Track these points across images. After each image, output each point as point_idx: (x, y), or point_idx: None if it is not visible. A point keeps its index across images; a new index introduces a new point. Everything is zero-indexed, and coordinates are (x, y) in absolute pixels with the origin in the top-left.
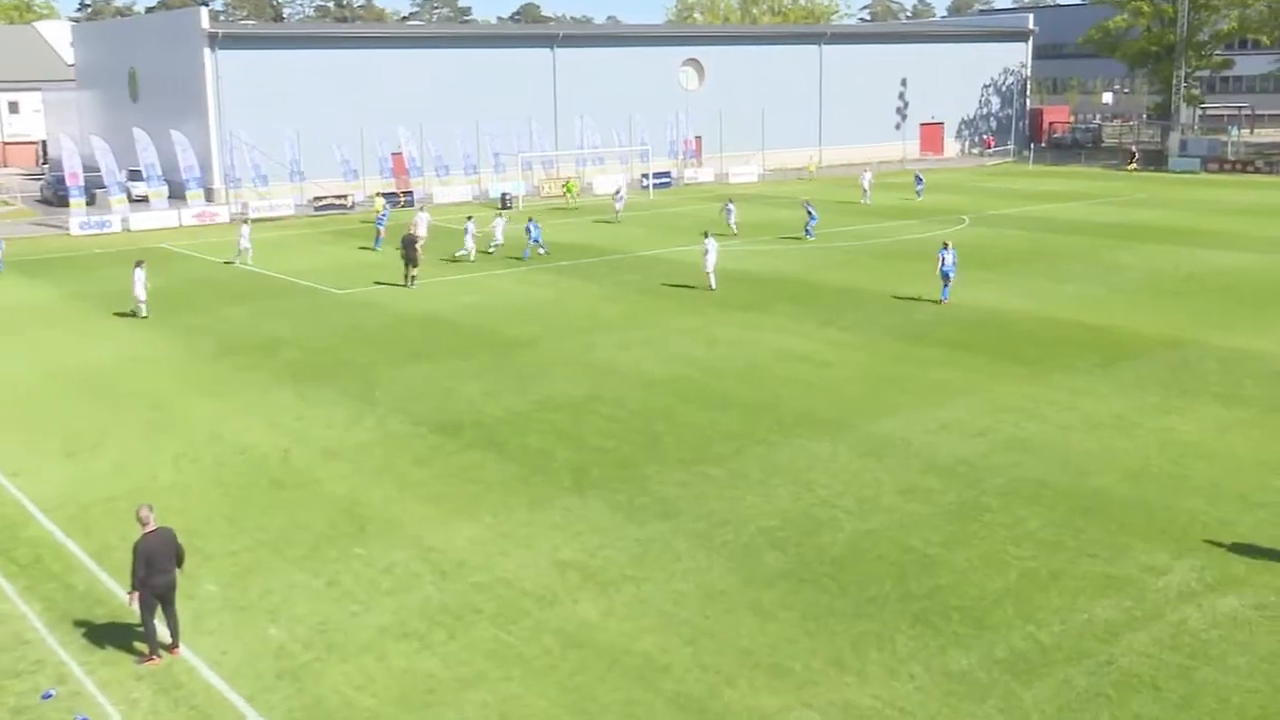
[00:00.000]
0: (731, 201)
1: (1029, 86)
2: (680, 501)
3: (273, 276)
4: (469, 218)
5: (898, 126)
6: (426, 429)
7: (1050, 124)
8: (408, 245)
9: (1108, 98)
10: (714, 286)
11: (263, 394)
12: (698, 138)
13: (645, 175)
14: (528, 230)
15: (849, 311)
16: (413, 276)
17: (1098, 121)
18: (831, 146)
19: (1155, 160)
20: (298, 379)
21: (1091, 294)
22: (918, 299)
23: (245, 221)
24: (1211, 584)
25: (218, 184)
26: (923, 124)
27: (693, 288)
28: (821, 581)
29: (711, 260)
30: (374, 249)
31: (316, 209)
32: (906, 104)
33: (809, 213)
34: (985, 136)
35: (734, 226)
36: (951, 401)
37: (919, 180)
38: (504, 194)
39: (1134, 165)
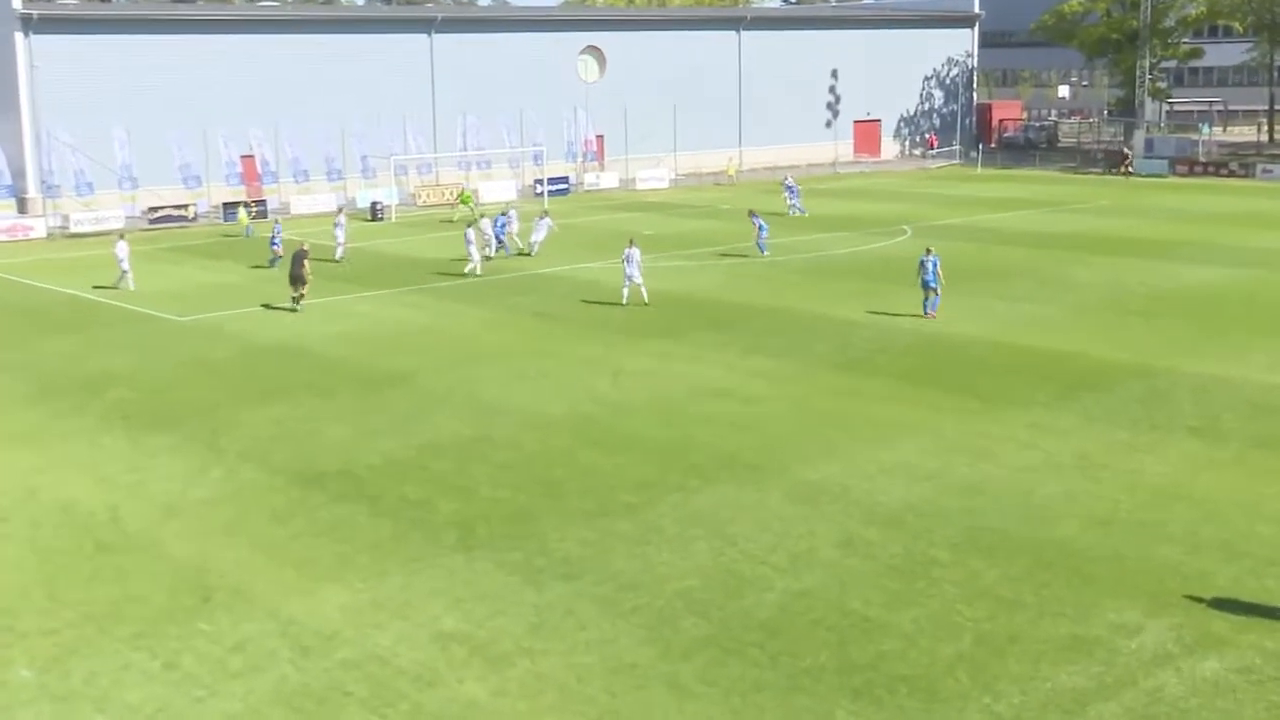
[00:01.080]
0: (791, 180)
1: (975, 79)
2: (583, 561)
3: (102, 302)
4: (469, 225)
5: (829, 124)
6: (285, 480)
7: (1000, 121)
8: (297, 262)
9: (1064, 91)
10: (646, 301)
11: (88, 442)
12: (599, 137)
13: (539, 181)
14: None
15: (776, 337)
16: (299, 297)
17: (1053, 118)
18: (754, 148)
19: (1117, 162)
20: (131, 424)
21: (1049, 315)
22: (855, 322)
23: (121, 237)
24: (1190, 645)
25: (32, 192)
26: (857, 121)
27: (600, 309)
28: (748, 651)
29: (636, 271)
30: (269, 267)
31: (152, 221)
32: (838, 99)
33: (758, 226)
34: (927, 135)
35: (797, 208)
36: (896, 441)
37: (791, 191)
38: (374, 203)
39: (1128, 168)
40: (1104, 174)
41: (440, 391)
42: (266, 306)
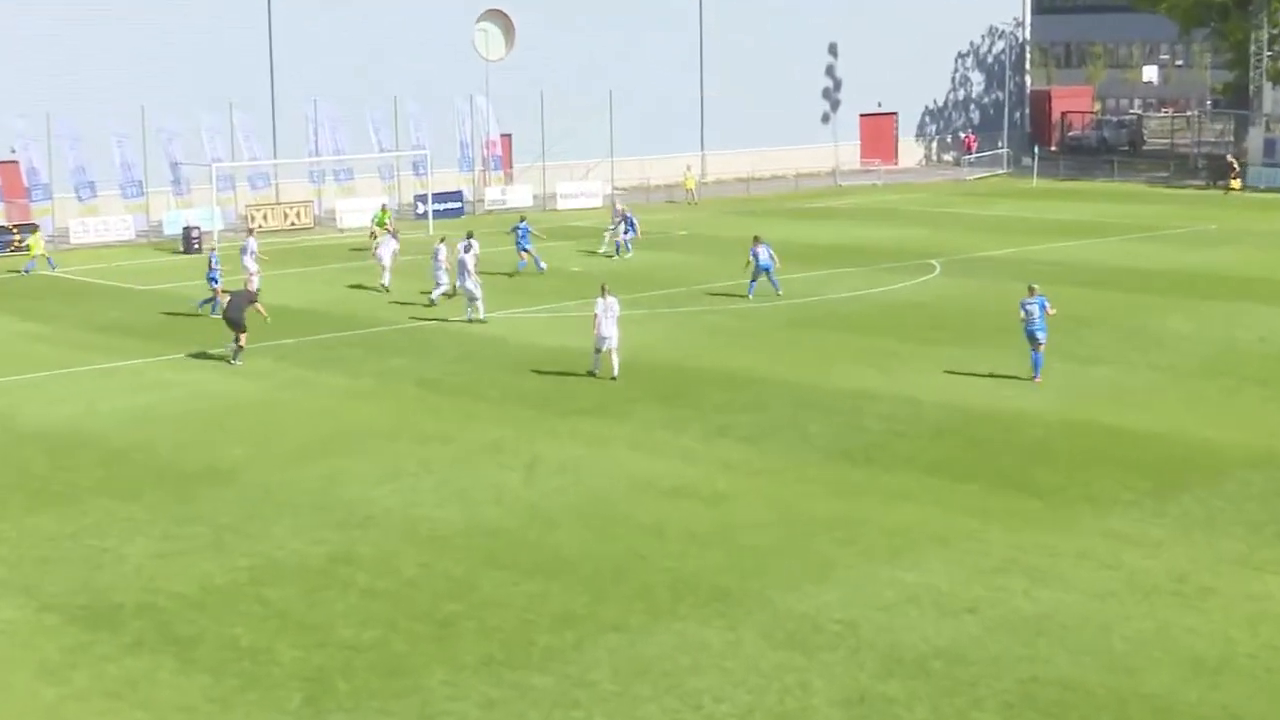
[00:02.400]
0: (627, 210)
1: (1029, 57)
2: None
3: None
4: (441, 239)
5: (826, 120)
6: (61, 618)
7: (1064, 116)
8: (237, 307)
9: (1151, 74)
10: (615, 375)
11: None
12: (505, 137)
13: (421, 198)
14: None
15: (754, 414)
16: (238, 349)
17: (1137, 111)
18: (721, 153)
19: (1225, 172)
20: None
21: (1133, 382)
22: (864, 392)
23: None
24: None
25: None
26: (865, 116)
27: (510, 373)
28: None
29: (612, 332)
30: (206, 312)
31: None
32: (838, 85)
33: (755, 259)
34: (963, 135)
35: (625, 245)
36: (921, 557)
37: (627, 224)
38: (187, 229)
39: (1235, 182)
40: (1207, 188)
41: (282, 492)
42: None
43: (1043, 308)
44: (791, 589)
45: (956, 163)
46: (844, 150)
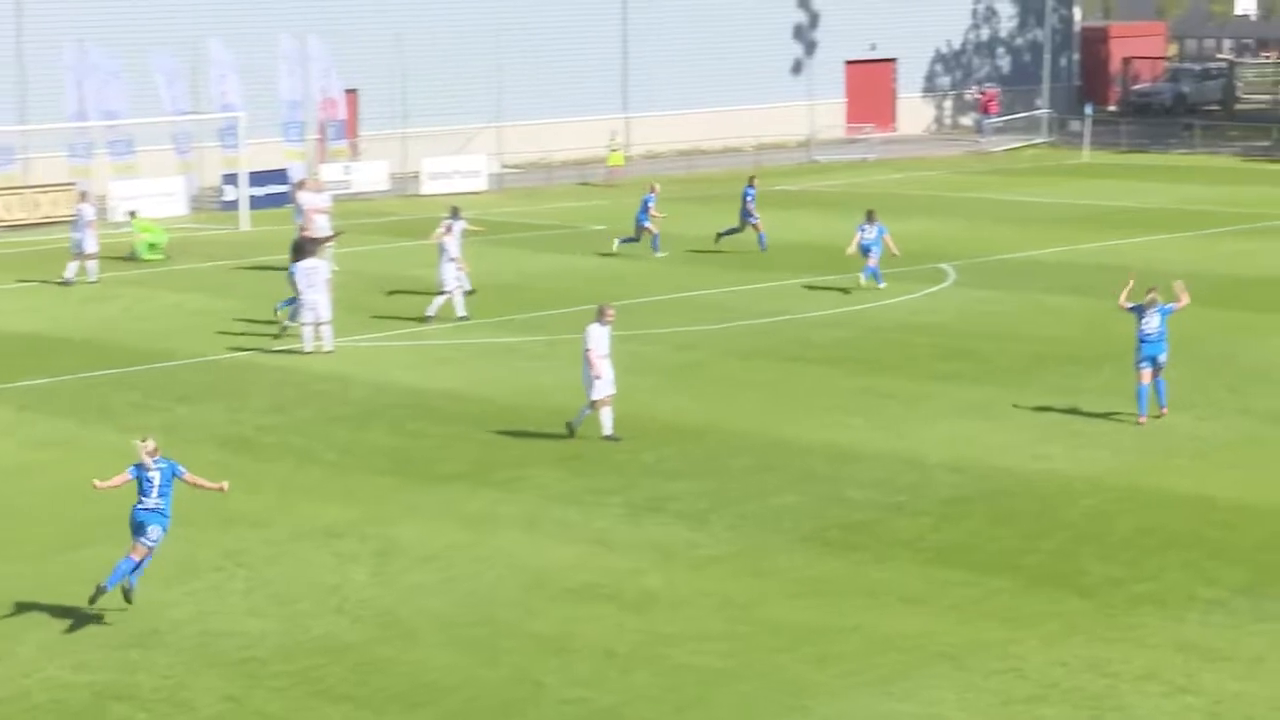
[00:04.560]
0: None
1: None
2: None
3: None
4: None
5: (798, 70)
6: None
7: (1128, 63)
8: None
9: (1248, 4)
10: (611, 432)
11: None
12: (349, 94)
13: (230, 179)
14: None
15: (695, 480)
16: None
17: (1228, 56)
18: (654, 116)
19: None
20: None
21: (1223, 432)
22: (849, 451)
23: None
24: None
25: None
26: (852, 63)
27: (354, 426)
28: None
29: (608, 372)
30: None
31: None
32: (814, 22)
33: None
34: (981, 90)
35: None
36: (926, 682)
37: (642, 207)
38: None
39: None
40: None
41: (32, 596)
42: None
43: (1164, 317)
44: None
45: (978, 129)
46: (823, 111)
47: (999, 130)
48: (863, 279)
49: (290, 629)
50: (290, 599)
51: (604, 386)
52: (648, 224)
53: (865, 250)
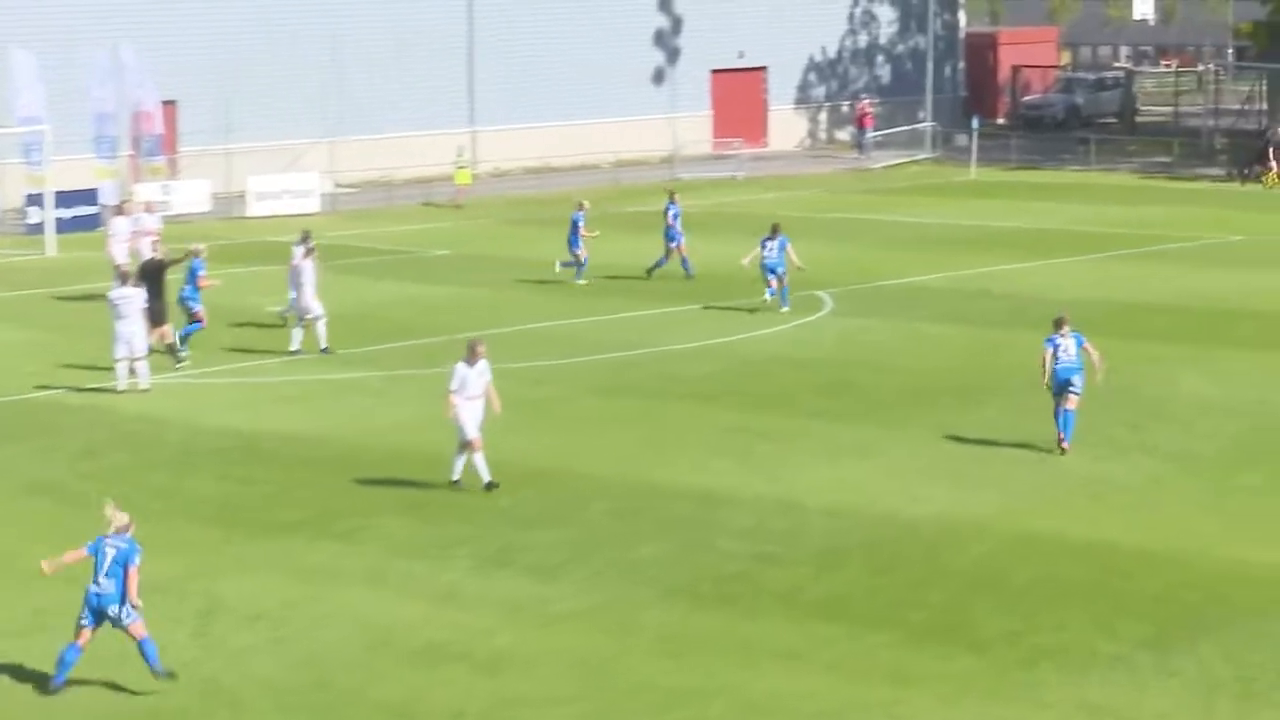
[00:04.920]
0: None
1: None
2: None
3: None
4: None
5: (659, 79)
6: None
7: (1017, 72)
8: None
9: (1145, 9)
10: (490, 480)
11: None
12: (167, 106)
13: (35, 199)
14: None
15: (550, 529)
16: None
17: (1125, 65)
18: (500, 129)
19: (1259, 155)
20: None
21: (1124, 473)
22: (720, 496)
23: None
24: None
25: None
26: (718, 72)
27: (176, 472)
28: None
29: (470, 419)
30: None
31: None
32: (677, 27)
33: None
34: (859, 101)
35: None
36: None
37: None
38: None
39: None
40: (1231, 180)
41: None
42: None
43: (1080, 346)
44: None
45: (858, 145)
46: (688, 125)
47: (879, 146)
48: (768, 298)
49: (102, 697)
50: (104, 662)
51: (469, 429)
52: (579, 248)
53: (770, 270)
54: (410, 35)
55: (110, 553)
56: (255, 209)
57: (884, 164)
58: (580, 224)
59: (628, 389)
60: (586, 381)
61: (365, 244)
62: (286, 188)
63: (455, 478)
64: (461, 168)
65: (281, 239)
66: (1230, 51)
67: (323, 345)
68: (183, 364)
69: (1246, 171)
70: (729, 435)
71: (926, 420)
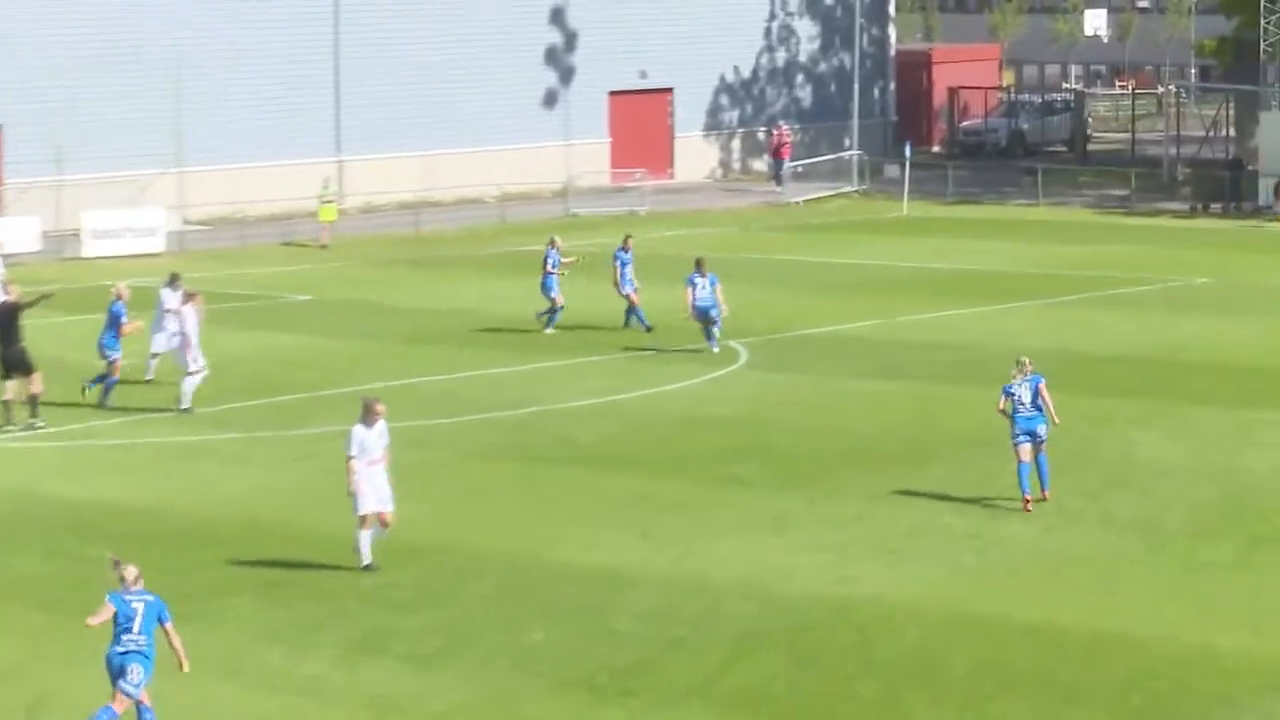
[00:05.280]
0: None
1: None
2: None
3: None
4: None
5: (551, 102)
6: None
7: (954, 94)
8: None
9: (1097, 24)
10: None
11: None
12: None
13: None
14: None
15: (428, 612)
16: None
17: (1075, 86)
18: (370, 158)
19: (1215, 193)
20: None
21: (1077, 545)
22: (622, 573)
23: None
24: None
25: None
26: (617, 94)
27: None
28: None
29: (366, 492)
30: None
31: None
32: (571, 42)
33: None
34: (776, 128)
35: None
36: None
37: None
38: None
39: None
40: (1195, 213)
41: None
42: None
43: (1037, 387)
44: None
45: (775, 177)
46: (583, 154)
47: (799, 177)
48: (714, 349)
49: None
50: None
51: (366, 501)
52: (555, 292)
53: (704, 312)
54: (266, 52)
55: (139, 607)
56: (92, 248)
57: (805, 197)
58: (552, 263)
59: (514, 453)
60: (467, 444)
61: (218, 288)
62: (128, 225)
63: (366, 561)
64: (326, 202)
65: (131, 281)
66: (1193, 71)
67: (185, 404)
68: (38, 428)
69: (1207, 206)
70: (629, 506)
71: (856, 488)
